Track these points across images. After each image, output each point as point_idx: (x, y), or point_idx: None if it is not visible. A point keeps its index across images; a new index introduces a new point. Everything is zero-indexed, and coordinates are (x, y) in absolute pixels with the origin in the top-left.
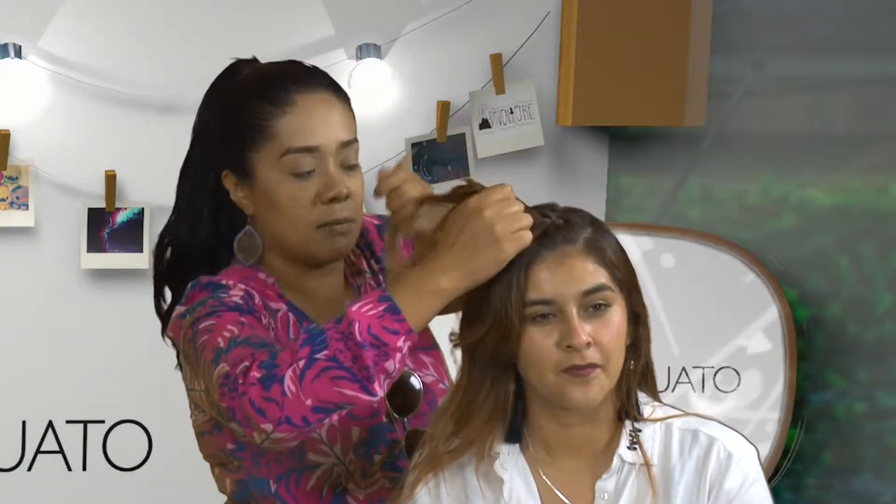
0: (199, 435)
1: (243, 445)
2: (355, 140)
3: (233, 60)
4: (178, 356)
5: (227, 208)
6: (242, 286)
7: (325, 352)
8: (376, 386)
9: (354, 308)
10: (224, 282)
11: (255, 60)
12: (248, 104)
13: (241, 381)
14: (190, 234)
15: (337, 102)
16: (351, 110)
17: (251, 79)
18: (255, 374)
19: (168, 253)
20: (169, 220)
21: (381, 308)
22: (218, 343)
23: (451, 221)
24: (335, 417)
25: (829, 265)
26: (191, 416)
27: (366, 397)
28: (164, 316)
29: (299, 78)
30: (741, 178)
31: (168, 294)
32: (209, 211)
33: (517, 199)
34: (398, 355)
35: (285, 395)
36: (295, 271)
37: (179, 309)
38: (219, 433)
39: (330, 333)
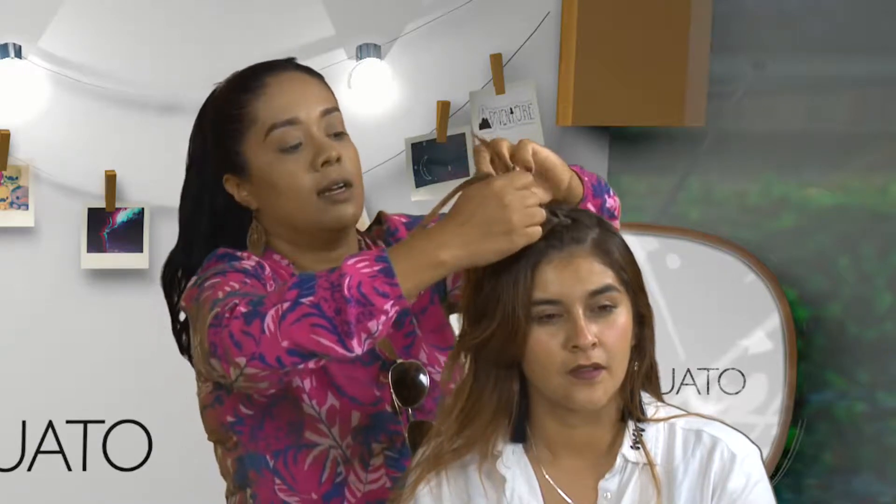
0: (203, 409)
1: (242, 419)
2: (336, 109)
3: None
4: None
5: (225, 230)
6: (256, 258)
7: (311, 298)
8: (354, 342)
9: (350, 262)
10: (239, 254)
11: None
12: (226, 101)
13: (227, 316)
14: (186, 257)
15: (310, 79)
16: (327, 86)
17: (225, 83)
18: (242, 308)
19: (174, 277)
20: (174, 247)
21: (376, 268)
22: (217, 295)
23: (468, 197)
24: (311, 365)
25: (829, 265)
26: (197, 391)
27: (341, 351)
28: (185, 344)
29: (269, 65)
30: (741, 178)
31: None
32: (205, 232)
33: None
34: (383, 318)
35: (263, 332)
36: (307, 259)
37: (194, 279)
38: (220, 405)
39: (320, 281)
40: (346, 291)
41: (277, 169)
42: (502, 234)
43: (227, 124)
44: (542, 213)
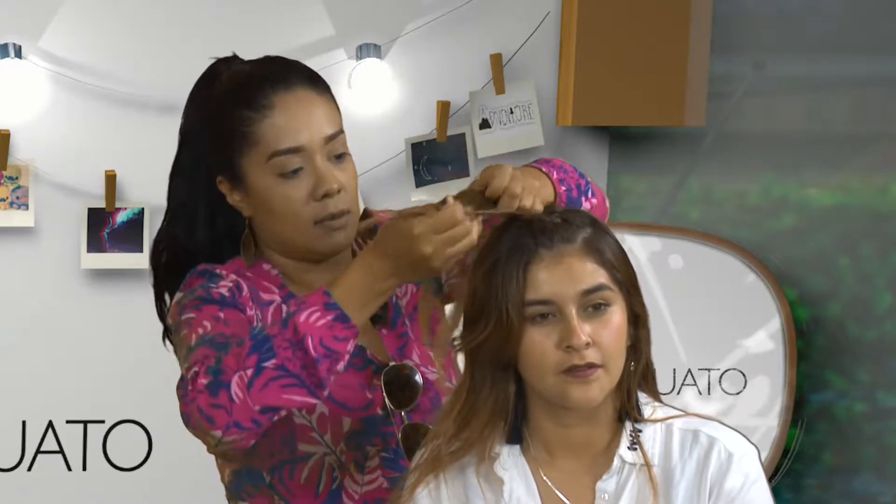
0: None
1: None
2: (341, 131)
3: (212, 60)
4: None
5: (224, 206)
6: (234, 277)
7: (274, 360)
8: (325, 391)
9: (302, 318)
10: (218, 271)
11: (234, 59)
12: (229, 111)
13: (190, 388)
14: (186, 235)
15: (316, 97)
16: (333, 101)
17: (230, 84)
18: (203, 380)
19: (164, 257)
20: (162, 225)
21: (329, 318)
22: (191, 340)
23: (393, 234)
24: (283, 413)
25: (829, 265)
26: None
27: (313, 401)
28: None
29: (276, 78)
30: (741, 178)
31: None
32: (204, 210)
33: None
34: (347, 356)
35: (233, 400)
36: (298, 267)
37: (177, 296)
38: None
39: (277, 341)
40: (312, 353)
41: (276, 193)
42: (428, 271)
43: (227, 136)
44: (466, 236)
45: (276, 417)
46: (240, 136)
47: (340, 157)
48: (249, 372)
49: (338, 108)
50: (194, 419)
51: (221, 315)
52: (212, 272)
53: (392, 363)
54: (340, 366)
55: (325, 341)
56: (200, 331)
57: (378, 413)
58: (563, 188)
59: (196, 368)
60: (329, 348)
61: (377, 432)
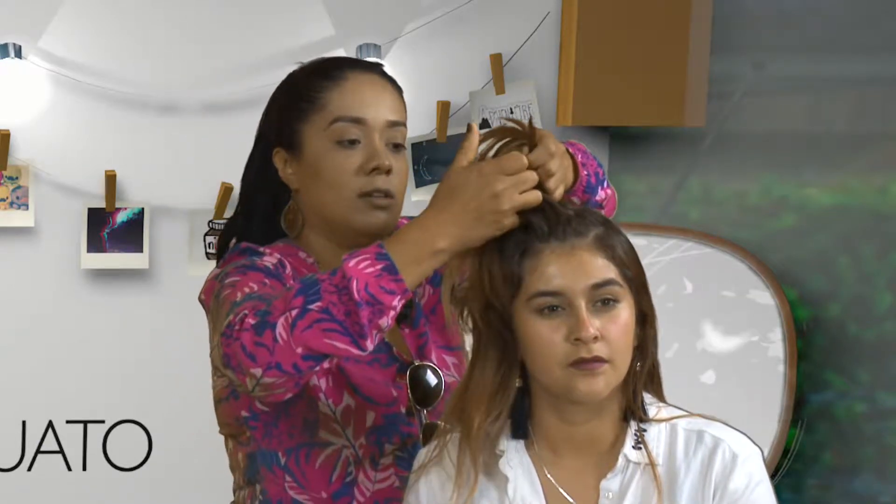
0: (217, 402)
1: (257, 415)
2: (403, 125)
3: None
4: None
5: (283, 202)
6: (278, 255)
7: (319, 303)
8: (368, 342)
9: (352, 263)
10: (261, 249)
11: None
12: (304, 81)
13: (237, 328)
14: (245, 224)
15: (390, 87)
16: (402, 100)
17: (311, 63)
18: (250, 320)
19: (226, 243)
20: (232, 216)
21: (378, 266)
22: (236, 296)
23: (460, 185)
24: (326, 365)
25: (829, 265)
26: (212, 385)
27: (356, 351)
28: None
29: (356, 62)
30: (741, 178)
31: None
32: (265, 205)
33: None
34: (392, 313)
35: (276, 341)
36: (334, 251)
37: (214, 271)
38: (235, 400)
39: (324, 285)
40: (356, 296)
41: (329, 159)
42: (493, 223)
43: (295, 101)
44: (535, 197)
45: (317, 367)
46: (307, 101)
47: (397, 147)
48: (294, 313)
49: (405, 109)
50: (235, 359)
51: (267, 282)
52: (254, 249)
53: (416, 362)
54: (384, 320)
55: (370, 288)
56: (247, 290)
57: (401, 411)
58: (585, 172)
59: (245, 311)
60: (373, 296)
61: (398, 430)
